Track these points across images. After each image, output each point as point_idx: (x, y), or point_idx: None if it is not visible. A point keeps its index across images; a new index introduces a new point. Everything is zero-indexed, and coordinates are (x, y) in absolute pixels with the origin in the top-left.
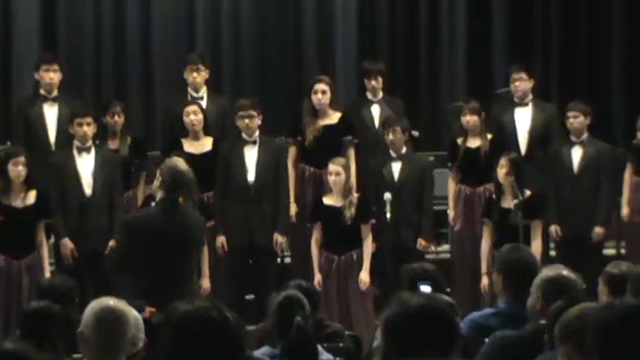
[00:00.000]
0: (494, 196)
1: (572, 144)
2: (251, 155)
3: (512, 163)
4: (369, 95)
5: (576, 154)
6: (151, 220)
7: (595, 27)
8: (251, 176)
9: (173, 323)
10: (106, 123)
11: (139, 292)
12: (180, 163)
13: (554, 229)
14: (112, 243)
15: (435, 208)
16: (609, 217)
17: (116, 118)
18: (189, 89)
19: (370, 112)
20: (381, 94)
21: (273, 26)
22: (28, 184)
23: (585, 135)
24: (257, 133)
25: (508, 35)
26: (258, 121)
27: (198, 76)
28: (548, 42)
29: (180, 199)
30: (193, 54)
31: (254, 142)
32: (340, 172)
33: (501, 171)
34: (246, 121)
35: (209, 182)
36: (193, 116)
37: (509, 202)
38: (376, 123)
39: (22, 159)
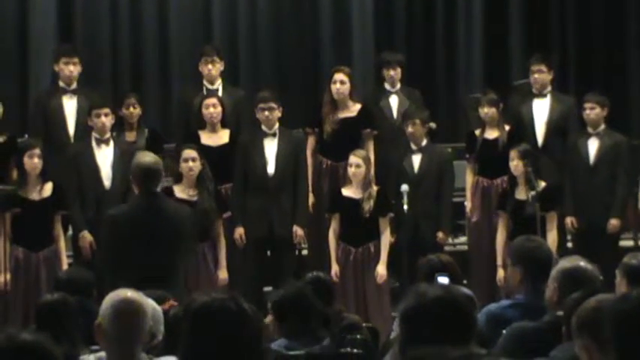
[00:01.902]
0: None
1: (589, 136)
2: (271, 147)
3: (523, 155)
4: (387, 86)
5: (593, 146)
6: (131, 215)
7: (612, 18)
8: (271, 168)
9: (191, 315)
10: (122, 115)
11: (124, 285)
12: (143, 157)
13: (569, 220)
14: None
15: (453, 199)
16: (625, 209)
17: (131, 109)
18: (204, 81)
19: (389, 103)
20: (399, 85)
21: (290, 18)
22: (44, 176)
23: (602, 127)
24: (277, 125)
25: (525, 26)
26: (278, 114)
27: (213, 68)
28: (565, 33)
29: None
30: (208, 46)
31: (274, 135)
32: (360, 165)
33: (512, 163)
34: (266, 113)
35: (226, 174)
36: (212, 109)
37: (523, 194)
38: (395, 114)
39: (37, 151)
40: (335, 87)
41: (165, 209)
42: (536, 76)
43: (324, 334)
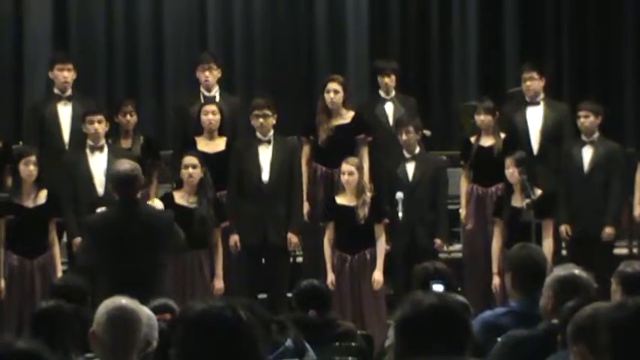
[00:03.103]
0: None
1: (583, 143)
2: (265, 154)
3: (519, 163)
4: (382, 93)
5: (587, 154)
6: (110, 220)
7: (606, 26)
8: (265, 175)
9: (186, 323)
10: (118, 122)
11: (104, 291)
12: (121, 164)
13: (563, 228)
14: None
15: (448, 207)
16: (619, 217)
17: (128, 117)
18: (201, 88)
19: (384, 110)
20: (393, 92)
21: (285, 25)
22: (39, 183)
23: (596, 134)
24: (271, 132)
25: (520, 34)
26: (272, 121)
27: (210, 75)
28: (559, 41)
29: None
30: (205, 53)
31: (268, 142)
32: (353, 172)
33: (508, 171)
34: (261, 120)
35: (222, 181)
36: (212, 116)
37: (519, 201)
38: (390, 120)
39: (33, 158)
40: (329, 96)
41: (143, 215)
42: (527, 83)
43: (281, 339)
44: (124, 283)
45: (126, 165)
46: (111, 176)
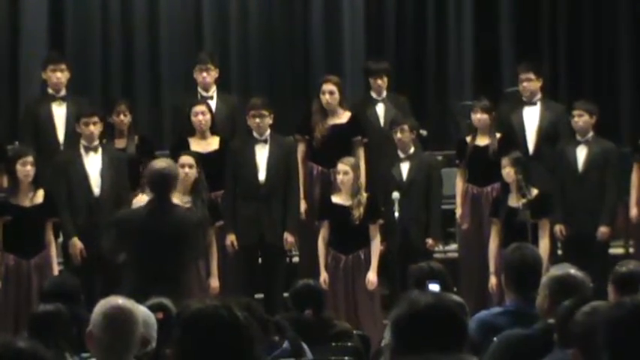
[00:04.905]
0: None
1: (577, 143)
2: (262, 154)
3: (515, 163)
4: (374, 94)
5: (581, 154)
6: (140, 217)
7: (602, 26)
8: (262, 175)
9: (182, 322)
10: (112, 122)
11: (128, 287)
12: (158, 162)
13: (558, 228)
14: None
15: (443, 207)
16: (614, 216)
17: (122, 117)
18: (199, 89)
19: (375, 111)
20: (385, 93)
21: (281, 25)
22: (36, 183)
23: (590, 134)
24: (268, 131)
25: (516, 34)
26: (269, 121)
27: (207, 75)
28: (555, 41)
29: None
30: (203, 53)
31: (265, 141)
32: (348, 172)
33: (504, 171)
34: (257, 120)
35: (216, 181)
36: (201, 116)
37: (515, 201)
38: (381, 122)
39: (30, 159)
40: (325, 98)
41: (174, 214)
42: (524, 84)
43: (278, 339)
44: (151, 281)
45: (161, 163)
46: (145, 173)
